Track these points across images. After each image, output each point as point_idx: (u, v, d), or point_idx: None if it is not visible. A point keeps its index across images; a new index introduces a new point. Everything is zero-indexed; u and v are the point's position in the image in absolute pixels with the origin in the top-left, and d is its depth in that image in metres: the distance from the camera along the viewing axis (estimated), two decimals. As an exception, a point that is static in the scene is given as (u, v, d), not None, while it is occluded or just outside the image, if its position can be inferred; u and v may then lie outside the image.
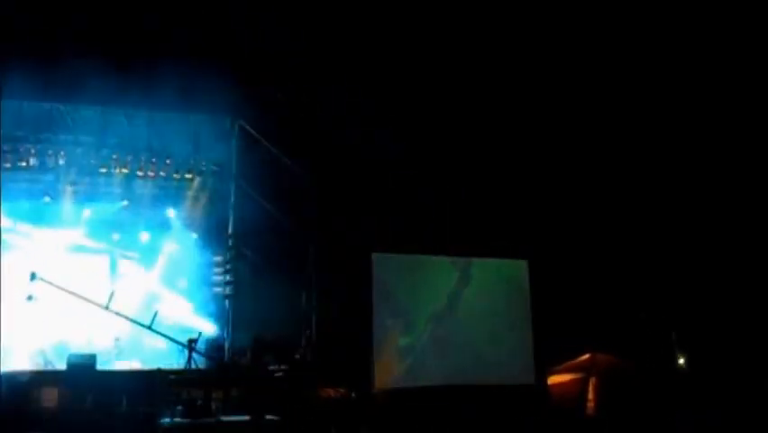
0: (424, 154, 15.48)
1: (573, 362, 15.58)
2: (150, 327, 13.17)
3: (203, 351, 13.46)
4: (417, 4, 14.55)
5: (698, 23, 14.34)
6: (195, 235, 15.99)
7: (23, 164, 15.18)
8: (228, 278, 15.38)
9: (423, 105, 15.61)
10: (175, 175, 15.77)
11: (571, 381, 15.45)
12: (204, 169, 15.91)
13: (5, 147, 14.96)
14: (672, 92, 15.40)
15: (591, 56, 15.24)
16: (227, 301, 15.25)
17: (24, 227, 15.57)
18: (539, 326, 15.95)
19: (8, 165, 15.10)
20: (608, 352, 15.41)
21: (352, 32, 14.91)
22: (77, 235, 15.66)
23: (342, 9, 14.63)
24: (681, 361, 16.02)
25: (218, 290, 15.53)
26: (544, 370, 15.69)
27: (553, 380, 15.65)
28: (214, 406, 12.72)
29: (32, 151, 15.16)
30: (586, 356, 15.49)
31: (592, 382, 15.19)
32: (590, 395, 15.14)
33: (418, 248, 15.59)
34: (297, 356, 14.26)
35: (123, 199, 15.80)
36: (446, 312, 15.61)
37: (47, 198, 15.48)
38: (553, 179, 16.05)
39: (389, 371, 14.84)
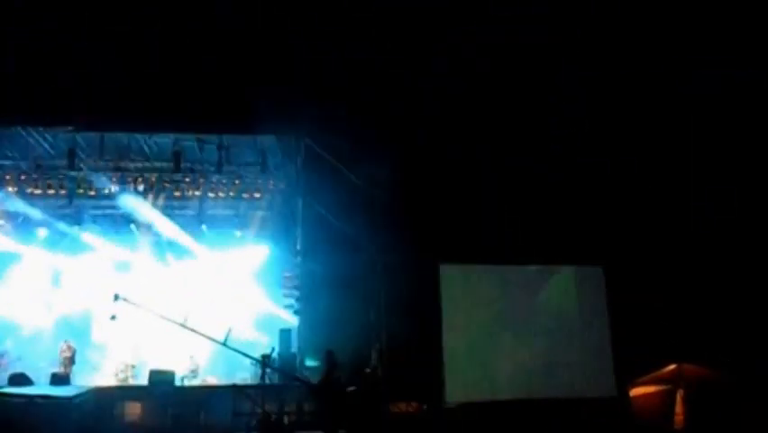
0: (490, 163, 15.23)
1: (658, 373, 14.77)
2: (224, 344, 13.47)
3: (276, 366, 13.65)
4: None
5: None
6: (264, 252, 16.33)
7: (105, 191, 16.06)
8: (297, 293, 15.59)
9: (488, 113, 15.42)
10: (245, 195, 16.22)
11: (655, 393, 14.66)
12: (272, 187, 16.29)
13: (89, 176, 15.93)
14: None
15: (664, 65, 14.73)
16: (297, 317, 15.43)
17: (107, 251, 16.47)
18: (619, 335, 15.23)
19: (92, 193, 16.05)
20: (696, 362, 14.54)
21: (414, 47, 14.96)
22: (153, 258, 16.40)
23: (401, 27, 14.76)
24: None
25: (288, 305, 15.72)
26: (625, 382, 14.95)
27: (636, 392, 14.90)
28: (287, 420, 12.91)
29: (113, 179, 16.04)
30: (672, 367, 14.66)
31: (680, 394, 14.36)
32: (678, 408, 14.32)
33: (487, 258, 15.26)
34: (368, 370, 14.22)
35: (199, 223, 16.47)
36: (519, 322, 15.16)
37: (132, 226, 16.33)
38: (629, 177, 15.36)
39: (462, 384, 14.50)
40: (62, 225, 16.28)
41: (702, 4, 13.99)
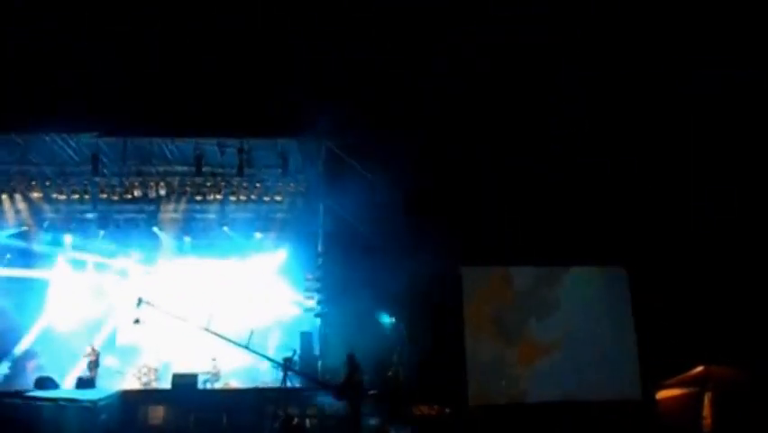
0: (509, 164, 15.11)
1: (685, 375, 14.49)
2: (246, 347, 13.53)
3: (297, 369, 13.67)
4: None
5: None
6: (285, 255, 16.38)
7: (129, 196, 16.23)
8: (319, 296, 15.60)
9: (508, 116, 15.30)
10: (266, 198, 16.29)
11: (682, 395, 14.38)
12: (293, 190, 16.33)
13: (113, 181, 16.11)
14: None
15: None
16: (319, 319, 15.44)
17: (131, 254, 16.66)
18: (644, 336, 15.00)
19: (115, 198, 16.22)
20: (724, 363, 14.26)
21: (435, 49, 14.92)
22: (176, 261, 16.56)
23: (422, 30, 14.73)
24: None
25: (310, 307, 15.74)
26: (651, 384, 14.72)
27: (662, 395, 14.63)
28: (309, 423, 12.92)
29: (136, 183, 16.21)
30: (699, 369, 14.37)
31: (708, 396, 14.05)
32: (706, 411, 14.02)
33: (509, 260, 15.14)
34: (390, 373, 14.20)
35: (221, 226, 16.58)
36: (542, 324, 15.03)
37: (155, 229, 16.51)
38: (651, 173, 15.14)
39: (484, 386, 14.41)
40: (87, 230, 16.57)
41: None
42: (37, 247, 16.70)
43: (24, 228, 16.62)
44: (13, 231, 16.58)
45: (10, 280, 16.25)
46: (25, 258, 16.63)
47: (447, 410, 13.55)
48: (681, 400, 14.41)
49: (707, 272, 14.55)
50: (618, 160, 14.98)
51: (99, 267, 16.78)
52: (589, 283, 15.41)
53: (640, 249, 14.82)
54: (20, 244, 16.67)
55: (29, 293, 16.44)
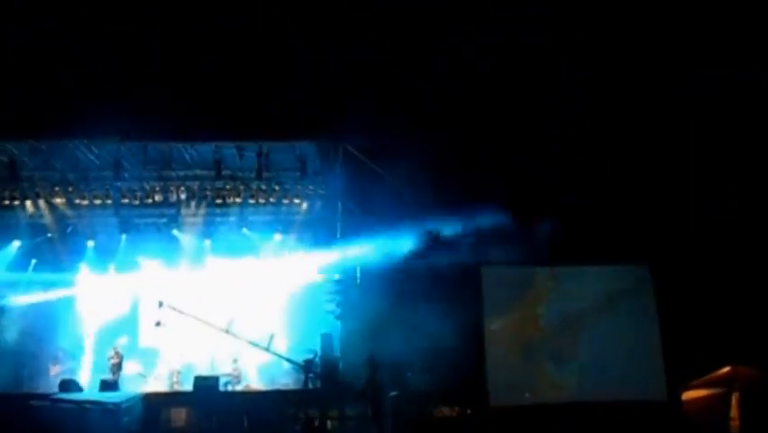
0: (527, 161, 15.00)
1: (711, 376, 14.23)
2: (267, 349, 13.59)
3: (318, 372, 13.68)
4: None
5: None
6: (304, 258, 16.41)
7: (149, 201, 16.39)
8: (339, 298, 15.59)
9: (526, 111, 15.22)
10: (284, 201, 16.35)
11: (708, 396, 14.13)
12: (311, 192, 16.37)
13: (134, 186, 16.28)
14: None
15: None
16: (339, 322, 15.43)
17: (153, 257, 16.82)
18: (669, 336, 14.73)
19: (137, 202, 16.39)
20: (752, 363, 13.98)
21: (452, 50, 14.91)
22: (196, 264, 16.68)
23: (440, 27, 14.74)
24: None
25: (330, 310, 15.74)
26: (677, 385, 14.46)
27: (688, 395, 14.38)
28: (330, 425, 12.92)
29: (157, 187, 16.37)
30: (726, 369, 14.12)
31: (735, 397, 13.80)
32: (733, 412, 13.76)
33: (529, 259, 14.97)
34: (411, 375, 14.13)
35: (240, 229, 16.68)
36: (564, 324, 14.83)
37: (175, 232, 16.66)
38: (674, 168, 14.94)
39: (505, 387, 14.24)
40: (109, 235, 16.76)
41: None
42: (61, 253, 16.93)
43: (48, 235, 16.87)
44: (38, 238, 16.89)
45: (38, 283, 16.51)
46: (51, 264, 16.87)
47: (468, 412, 13.48)
48: (707, 400, 14.16)
49: (733, 270, 14.29)
50: (639, 157, 14.83)
51: (121, 271, 16.92)
52: (612, 282, 15.16)
53: (665, 247, 14.59)
54: (45, 249, 16.93)
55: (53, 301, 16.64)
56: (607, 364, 14.43)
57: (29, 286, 16.49)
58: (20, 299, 16.34)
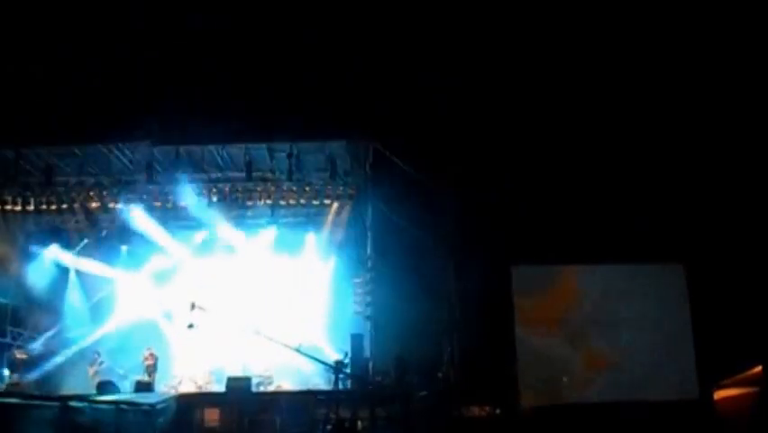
0: (558, 161, 14.91)
1: (744, 374, 14.04)
2: (298, 350, 13.72)
3: (349, 372, 13.78)
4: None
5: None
6: (335, 258, 16.55)
7: (182, 204, 16.60)
8: (369, 298, 15.69)
9: (556, 113, 15.12)
10: (315, 201, 16.47)
11: (741, 396, 13.95)
12: (341, 193, 16.45)
13: (166, 189, 16.52)
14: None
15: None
16: (369, 322, 15.54)
17: (185, 259, 17.09)
18: (702, 335, 14.60)
19: (169, 205, 16.62)
20: (787, 363, 13.78)
21: (485, 52, 14.87)
22: (231, 265, 16.89)
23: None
24: None
25: (359, 310, 15.85)
26: (709, 384, 14.32)
27: (721, 395, 14.21)
28: (360, 425, 13.01)
29: (189, 190, 16.56)
30: (758, 368, 13.94)
31: (768, 396, 13.64)
32: (768, 412, 13.60)
33: (560, 258, 14.91)
34: (440, 375, 14.19)
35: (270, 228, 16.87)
36: (595, 324, 14.79)
37: (207, 234, 16.89)
38: (711, 167, 14.75)
39: (536, 387, 14.29)
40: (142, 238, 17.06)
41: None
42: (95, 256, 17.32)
43: (86, 241, 17.29)
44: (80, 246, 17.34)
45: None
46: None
47: (498, 411, 13.49)
48: (740, 400, 13.97)
49: (766, 270, 14.08)
50: (677, 157, 14.67)
51: (156, 275, 17.22)
52: (645, 281, 15.06)
53: (699, 246, 14.43)
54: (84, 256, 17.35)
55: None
56: (638, 363, 14.40)
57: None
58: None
